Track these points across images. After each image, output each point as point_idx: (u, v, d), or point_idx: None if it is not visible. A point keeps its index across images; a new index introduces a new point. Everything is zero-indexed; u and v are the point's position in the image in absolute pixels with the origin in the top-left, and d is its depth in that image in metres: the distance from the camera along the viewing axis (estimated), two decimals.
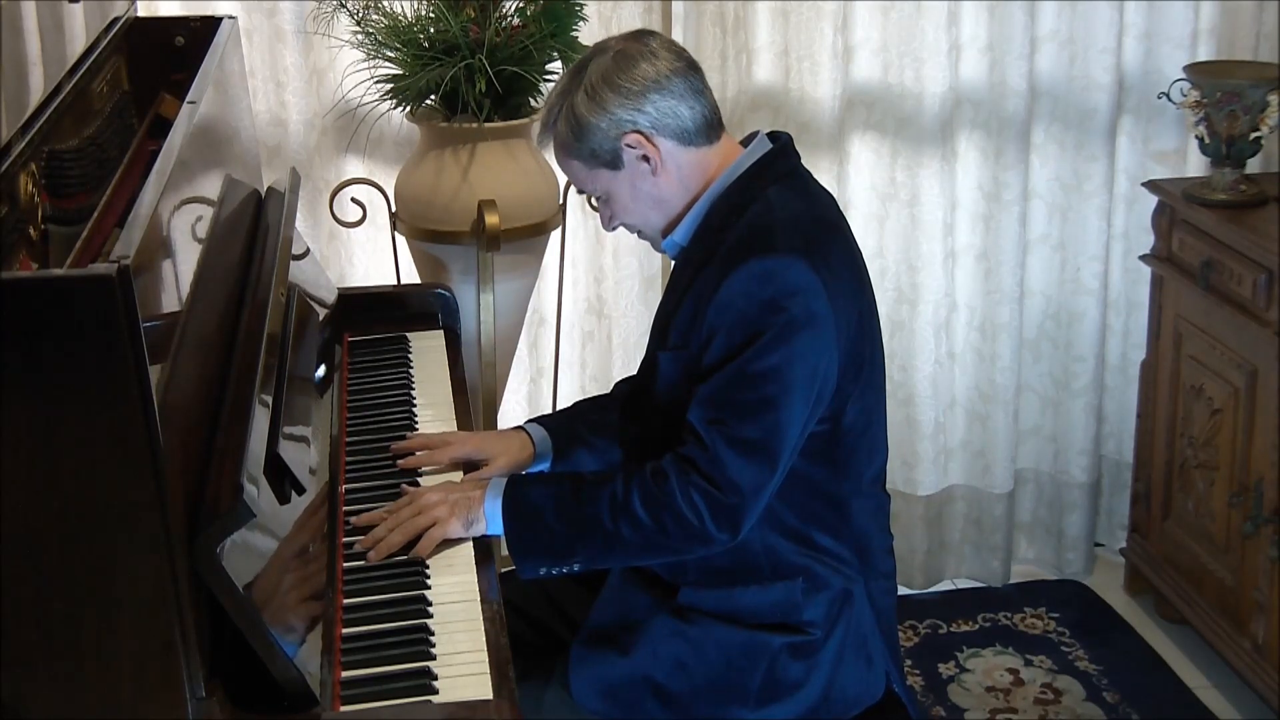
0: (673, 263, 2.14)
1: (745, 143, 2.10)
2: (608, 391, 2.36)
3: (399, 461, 2.14)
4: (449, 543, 1.96)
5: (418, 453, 2.15)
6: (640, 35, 2.07)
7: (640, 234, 2.13)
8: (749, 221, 1.98)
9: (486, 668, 1.72)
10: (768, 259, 1.92)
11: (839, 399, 1.99)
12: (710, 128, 2.04)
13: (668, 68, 2.01)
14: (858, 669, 2.08)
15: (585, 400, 2.37)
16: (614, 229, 2.12)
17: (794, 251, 1.93)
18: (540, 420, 2.26)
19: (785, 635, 2.03)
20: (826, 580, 2.05)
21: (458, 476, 2.12)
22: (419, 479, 2.12)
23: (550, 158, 3.05)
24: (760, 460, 1.92)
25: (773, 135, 2.10)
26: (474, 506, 1.97)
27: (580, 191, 2.15)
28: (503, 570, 1.97)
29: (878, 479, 2.12)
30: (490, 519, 1.97)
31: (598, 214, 3.06)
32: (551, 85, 2.82)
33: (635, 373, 2.33)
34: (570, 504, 1.95)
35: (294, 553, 1.71)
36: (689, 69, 2.03)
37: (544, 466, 2.22)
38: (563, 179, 2.96)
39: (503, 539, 1.98)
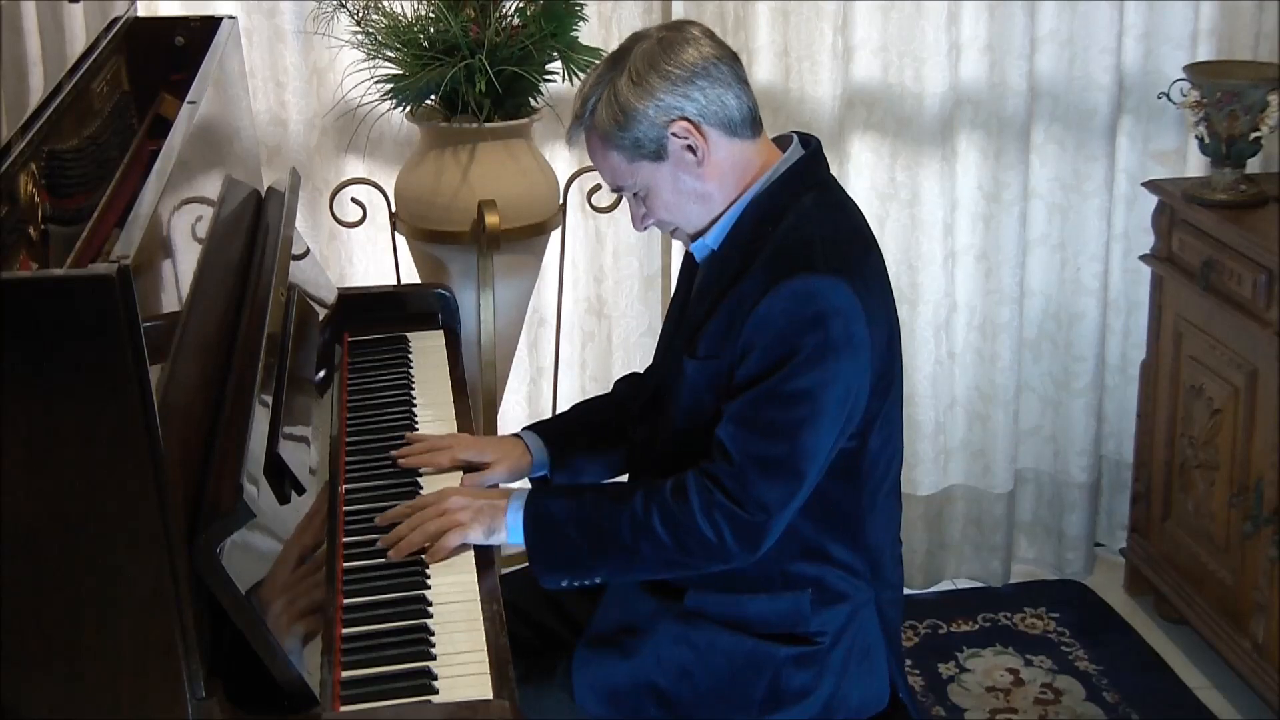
0: (694, 265, 2.10)
1: (779, 143, 2.06)
2: (607, 391, 2.36)
3: (400, 461, 2.14)
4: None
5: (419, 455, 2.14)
6: (680, 24, 2.02)
7: (674, 233, 2.06)
8: (786, 233, 1.95)
9: (486, 668, 1.72)
10: (810, 278, 1.89)
11: (867, 417, 1.98)
12: (754, 120, 2.00)
13: (713, 53, 1.96)
14: (862, 679, 2.07)
15: (584, 402, 2.36)
16: (645, 228, 2.05)
17: (836, 272, 1.90)
18: (537, 428, 2.26)
19: (792, 646, 2.02)
20: (838, 591, 2.04)
21: (457, 478, 2.12)
22: (419, 480, 2.12)
23: (553, 156, 3.07)
24: (787, 479, 1.91)
25: (803, 139, 2.06)
26: (498, 515, 1.96)
27: (615, 189, 2.05)
28: (503, 571, 1.97)
29: (893, 490, 2.11)
30: (511, 529, 1.97)
31: (597, 214, 3.10)
32: (552, 85, 2.83)
33: (642, 371, 2.32)
34: (592, 520, 1.95)
35: (294, 553, 1.70)
36: (732, 58, 1.99)
37: (543, 474, 2.22)
38: (563, 178, 2.96)
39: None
